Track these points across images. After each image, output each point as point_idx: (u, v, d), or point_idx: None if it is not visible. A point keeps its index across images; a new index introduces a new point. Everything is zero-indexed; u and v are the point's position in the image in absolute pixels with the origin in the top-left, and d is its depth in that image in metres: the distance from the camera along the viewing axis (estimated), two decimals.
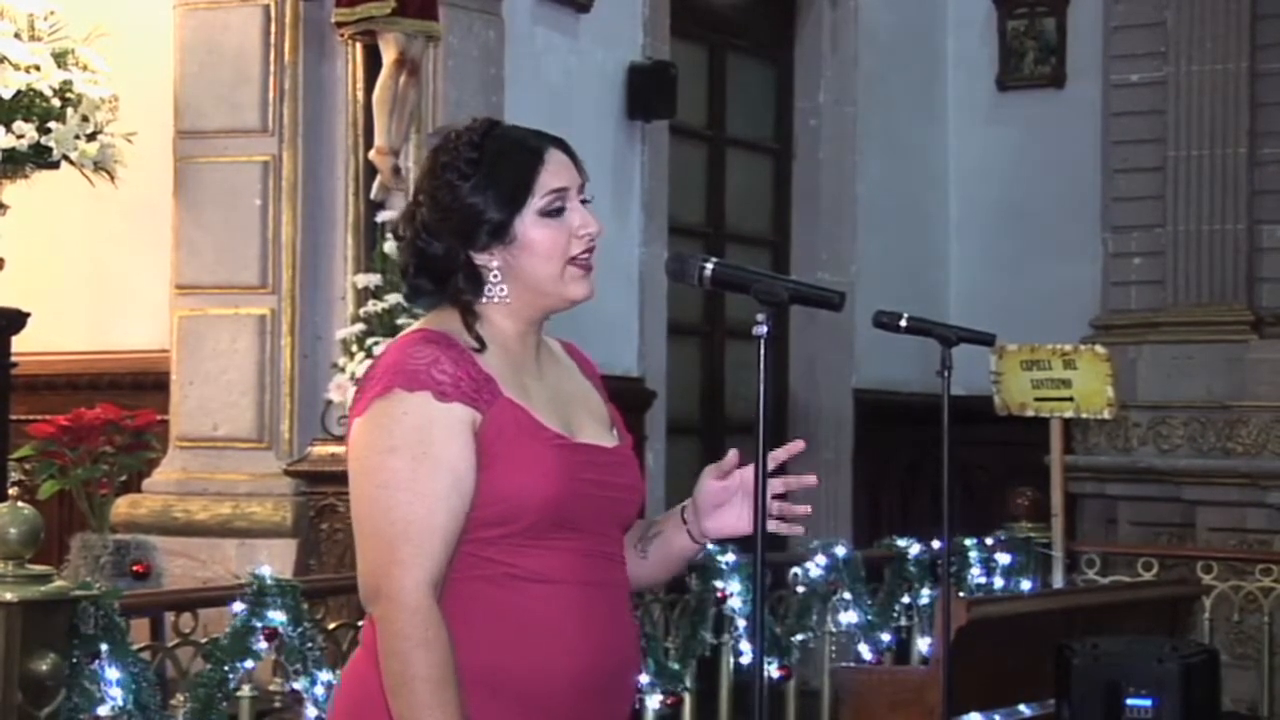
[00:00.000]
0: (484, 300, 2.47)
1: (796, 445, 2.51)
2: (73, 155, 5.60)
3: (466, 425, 2.38)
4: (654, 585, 2.60)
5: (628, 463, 2.56)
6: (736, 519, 2.56)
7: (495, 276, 2.47)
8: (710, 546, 4.90)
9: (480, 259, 2.46)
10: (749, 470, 2.52)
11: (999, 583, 6.45)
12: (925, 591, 5.97)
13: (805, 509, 2.56)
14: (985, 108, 9.65)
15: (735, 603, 5.23)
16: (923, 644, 5.97)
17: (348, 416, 2.52)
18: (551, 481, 2.40)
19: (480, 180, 2.45)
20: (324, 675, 4.10)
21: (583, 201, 2.51)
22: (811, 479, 2.57)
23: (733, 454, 2.56)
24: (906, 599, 5.95)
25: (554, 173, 2.47)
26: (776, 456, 2.46)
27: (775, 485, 2.49)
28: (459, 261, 2.46)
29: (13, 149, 5.49)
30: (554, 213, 2.46)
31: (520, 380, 2.46)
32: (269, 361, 5.98)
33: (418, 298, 2.53)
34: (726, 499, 2.56)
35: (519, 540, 2.40)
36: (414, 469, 2.35)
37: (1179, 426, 8.63)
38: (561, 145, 2.51)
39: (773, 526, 2.50)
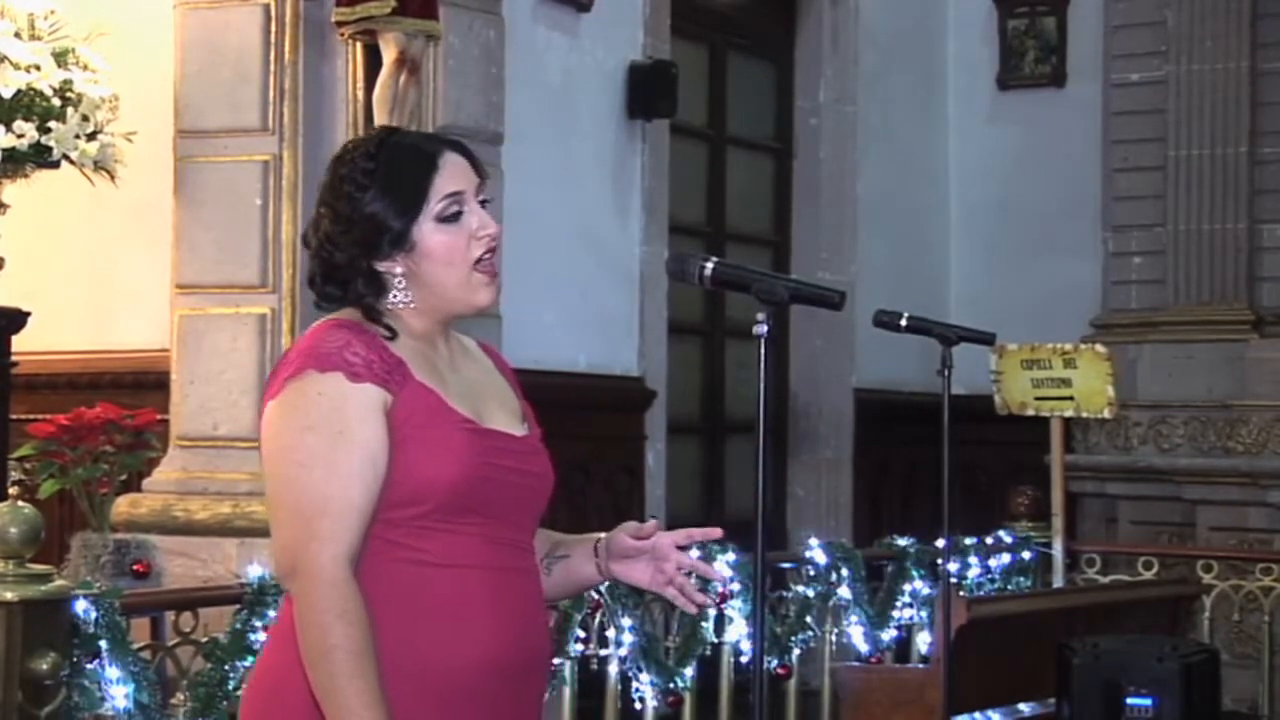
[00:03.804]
0: (389, 305, 2.51)
1: (714, 532, 2.64)
2: (73, 155, 5.59)
3: (379, 405, 2.41)
4: (550, 602, 2.77)
5: (538, 451, 2.60)
6: (639, 575, 2.65)
7: (400, 283, 2.50)
8: (711, 545, 4.90)
9: (383, 266, 2.49)
10: (662, 538, 2.62)
11: (999, 582, 6.45)
12: (925, 591, 5.97)
13: (704, 599, 2.69)
14: (985, 107, 9.65)
15: (735, 602, 5.23)
16: (923, 643, 5.97)
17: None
18: (459, 462, 2.43)
19: (376, 190, 2.47)
20: None
21: (482, 203, 2.53)
22: (719, 573, 2.65)
23: (652, 523, 2.65)
24: (907, 598, 5.95)
25: (449, 177, 2.50)
26: (693, 535, 2.62)
27: (683, 560, 2.61)
28: (361, 269, 2.48)
29: (13, 148, 5.47)
30: (451, 218, 2.49)
31: (432, 366, 2.50)
32: (269, 361, 5.96)
33: (329, 304, 2.55)
34: (635, 555, 2.64)
35: (426, 522, 2.43)
36: (330, 447, 2.38)
37: (1179, 426, 8.64)
38: (458, 148, 2.55)
39: (670, 594, 2.63)
